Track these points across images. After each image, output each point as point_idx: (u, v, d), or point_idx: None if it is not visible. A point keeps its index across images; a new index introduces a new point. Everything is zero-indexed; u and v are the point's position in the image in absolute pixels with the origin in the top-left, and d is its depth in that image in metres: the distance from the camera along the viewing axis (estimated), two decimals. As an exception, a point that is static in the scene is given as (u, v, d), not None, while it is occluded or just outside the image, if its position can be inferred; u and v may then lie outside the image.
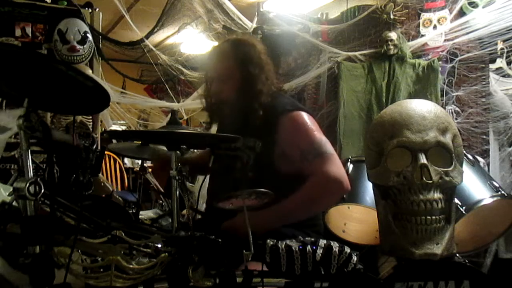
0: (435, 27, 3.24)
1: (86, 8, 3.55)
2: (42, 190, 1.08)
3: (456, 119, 3.04)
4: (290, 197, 1.57)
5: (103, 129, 3.74)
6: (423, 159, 1.61)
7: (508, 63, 3.00)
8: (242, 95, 1.71)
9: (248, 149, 1.70)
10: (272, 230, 1.49)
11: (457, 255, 1.78)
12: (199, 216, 1.82)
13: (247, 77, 1.72)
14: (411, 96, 3.20)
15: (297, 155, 1.64)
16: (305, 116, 1.70)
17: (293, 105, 1.76)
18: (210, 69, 1.83)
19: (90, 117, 3.39)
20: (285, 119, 1.68)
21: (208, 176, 1.91)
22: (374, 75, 3.35)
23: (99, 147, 3.25)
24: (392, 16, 3.33)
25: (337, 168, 1.62)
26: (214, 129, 1.97)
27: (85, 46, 3.42)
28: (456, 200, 1.80)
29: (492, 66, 3.05)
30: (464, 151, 1.88)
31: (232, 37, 2.06)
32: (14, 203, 1.10)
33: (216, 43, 2.02)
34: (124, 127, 5.09)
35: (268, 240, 1.32)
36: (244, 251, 1.21)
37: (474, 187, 2.04)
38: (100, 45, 3.61)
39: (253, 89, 1.72)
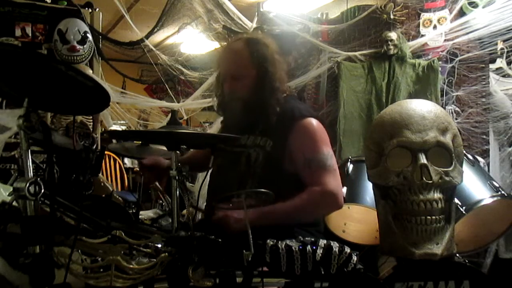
0: (435, 27, 3.24)
1: (86, 8, 3.55)
2: (42, 190, 1.08)
3: (456, 119, 3.04)
4: (285, 202, 1.57)
5: (103, 129, 3.74)
6: (423, 159, 1.61)
7: (508, 63, 3.00)
8: (257, 93, 1.72)
9: (258, 147, 1.71)
10: (268, 227, 1.48)
11: (457, 255, 1.78)
12: (200, 217, 1.82)
13: (262, 75, 1.72)
14: (411, 96, 3.20)
15: (301, 161, 1.65)
16: (318, 125, 1.71)
17: (309, 111, 1.77)
18: (224, 67, 1.83)
19: (90, 117, 3.39)
20: (300, 124, 1.69)
21: (208, 176, 1.91)
22: (374, 75, 3.35)
23: (99, 147, 3.25)
24: (392, 16, 3.33)
25: (336, 183, 1.64)
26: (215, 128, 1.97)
27: (85, 46, 3.41)
28: (456, 200, 1.80)
29: (492, 66, 3.04)
30: (464, 151, 1.88)
31: (246, 35, 2.05)
32: (14, 203, 1.10)
33: (216, 44, 2.03)
34: (124, 127, 5.09)
35: (268, 240, 1.32)
36: (244, 251, 1.21)
37: (474, 187, 2.05)
38: (100, 45, 3.60)
39: (268, 87, 1.72)
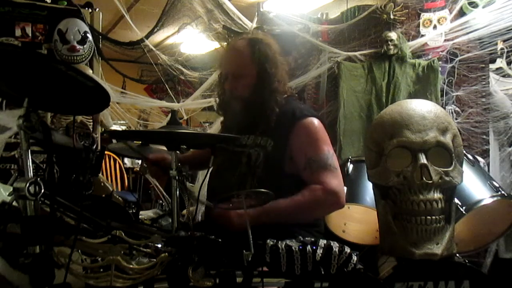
0: (435, 27, 3.24)
1: (86, 8, 3.54)
2: (42, 190, 1.08)
3: (456, 119, 3.03)
4: (286, 199, 1.57)
5: (103, 129, 3.74)
6: (423, 159, 1.61)
7: (508, 63, 3.00)
8: (257, 92, 1.73)
9: (259, 147, 1.71)
10: (268, 227, 1.48)
11: (457, 255, 1.77)
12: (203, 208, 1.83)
13: (263, 74, 1.73)
14: (411, 96, 3.19)
15: (302, 161, 1.65)
16: (320, 124, 1.71)
17: (310, 111, 1.78)
18: (226, 66, 1.83)
19: (90, 117, 3.39)
20: (301, 123, 1.69)
21: (208, 176, 1.91)
22: (374, 75, 3.35)
23: (99, 147, 3.25)
24: (392, 16, 3.32)
25: (337, 182, 1.64)
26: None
27: (85, 46, 3.41)
28: (456, 200, 1.80)
29: (492, 66, 3.04)
30: (464, 151, 1.88)
31: (250, 35, 2.06)
32: (14, 203, 1.10)
33: (216, 44, 2.03)
34: (124, 127, 5.09)
35: (268, 240, 1.32)
36: (244, 251, 1.21)
37: (474, 187, 2.04)
38: (100, 45, 3.60)
39: (269, 87, 1.73)
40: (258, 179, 1.66)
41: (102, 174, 3.85)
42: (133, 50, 3.78)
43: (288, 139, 1.67)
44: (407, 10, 3.34)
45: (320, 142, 1.67)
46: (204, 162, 2.00)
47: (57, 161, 1.67)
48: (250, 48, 1.76)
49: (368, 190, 1.95)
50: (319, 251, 1.30)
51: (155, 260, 1.19)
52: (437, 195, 1.60)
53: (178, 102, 4.20)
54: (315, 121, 1.70)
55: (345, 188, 2.05)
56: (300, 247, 1.30)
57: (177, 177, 1.32)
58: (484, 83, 3.03)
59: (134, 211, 2.17)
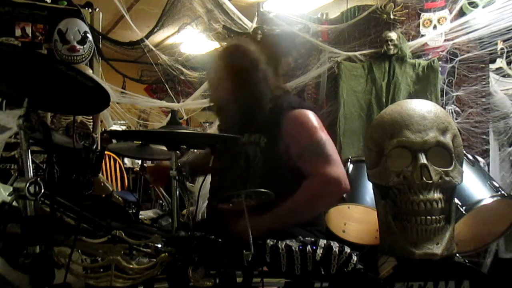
0: (435, 27, 3.24)
1: (86, 8, 3.55)
2: (42, 190, 1.08)
3: (456, 119, 3.04)
4: (290, 199, 1.57)
5: (103, 129, 3.74)
6: (423, 159, 1.61)
7: (508, 63, 3.00)
8: (244, 98, 1.73)
9: (253, 144, 1.71)
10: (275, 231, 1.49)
11: (457, 255, 1.78)
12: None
13: (246, 80, 1.73)
14: (411, 96, 3.20)
15: (297, 152, 1.65)
16: (310, 114, 1.70)
17: (299, 103, 1.77)
18: (213, 74, 1.86)
19: (90, 117, 3.39)
20: (290, 116, 1.69)
21: (208, 176, 1.92)
22: (374, 75, 3.35)
23: (99, 147, 3.25)
24: (392, 16, 3.33)
25: (336, 168, 1.61)
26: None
27: (85, 46, 3.42)
28: (456, 200, 1.80)
29: (492, 66, 3.04)
30: (464, 151, 1.88)
31: (231, 43, 2.07)
32: (14, 203, 1.10)
33: (216, 44, 2.05)
34: (124, 127, 5.09)
35: (268, 240, 1.32)
36: (244, 251, 1.21)
37: (474, 187, 2.04)
38: (100, 45, 3.61)
39: (254, 92, 1.73)
40: (260, 175, 1.66)
41: (102, 174, 3.85)
42: (133, 50, 3.78)
43: (280, 133, 1.67)
44: (407, 10, 3.34)
45: (310, 131, 1.66)
46: (205, 166, 2.02)
47: (57, 161, 1.67)
48: (224, 60, 1.78)
49: (368, 190, 1.95)
50: (319, 251, 1.30)
51: (155, 260, 1.19)
52: (437, 195, 1.60)
53: (178, 102, 4.20)
54: (303, 112, 1.69)
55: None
56: (300, 247, 1.30)
57: (177, 177, 1.32)
58: (484, 83, 3.03)
59: (134, 211, 2.17)
